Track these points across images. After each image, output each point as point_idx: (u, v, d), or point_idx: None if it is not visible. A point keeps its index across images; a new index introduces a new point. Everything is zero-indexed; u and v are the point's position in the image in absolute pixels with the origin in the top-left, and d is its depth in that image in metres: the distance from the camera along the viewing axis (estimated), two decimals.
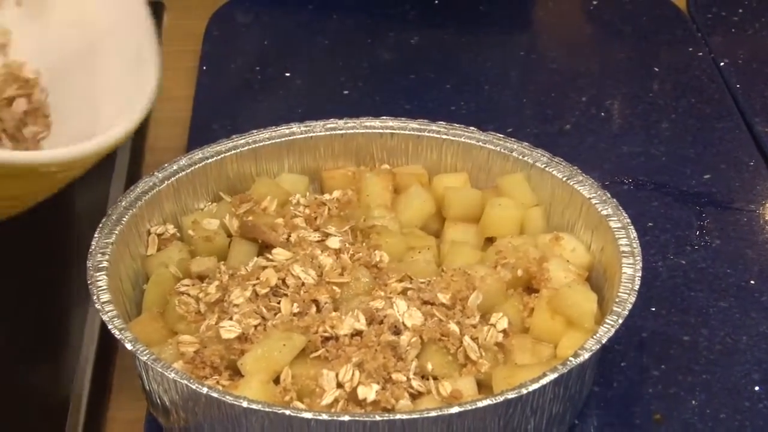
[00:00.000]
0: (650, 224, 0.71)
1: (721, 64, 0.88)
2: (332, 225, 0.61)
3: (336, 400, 0.52)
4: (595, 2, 0.99)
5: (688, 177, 0.76)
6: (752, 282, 0.67)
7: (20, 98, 0.68)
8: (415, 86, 0.86)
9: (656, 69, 0.89)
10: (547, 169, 0.64)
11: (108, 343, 0.64)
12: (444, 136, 0.67)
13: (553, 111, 0.84)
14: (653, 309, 0.65)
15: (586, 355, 0.52)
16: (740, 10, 0.96)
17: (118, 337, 0.53)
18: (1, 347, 0.65)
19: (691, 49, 0.91)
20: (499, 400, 0.49)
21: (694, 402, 0.59)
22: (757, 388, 0.60)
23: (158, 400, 0.54)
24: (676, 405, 0.59)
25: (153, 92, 0.62)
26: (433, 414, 0.49)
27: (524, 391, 0.50)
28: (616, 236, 0.59)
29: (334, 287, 0.57)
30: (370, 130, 0.67)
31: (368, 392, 0.52)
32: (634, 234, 0.59)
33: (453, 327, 0.55)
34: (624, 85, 0.87)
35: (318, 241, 0.60)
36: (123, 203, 0.61)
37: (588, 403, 0.58)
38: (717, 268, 0.68)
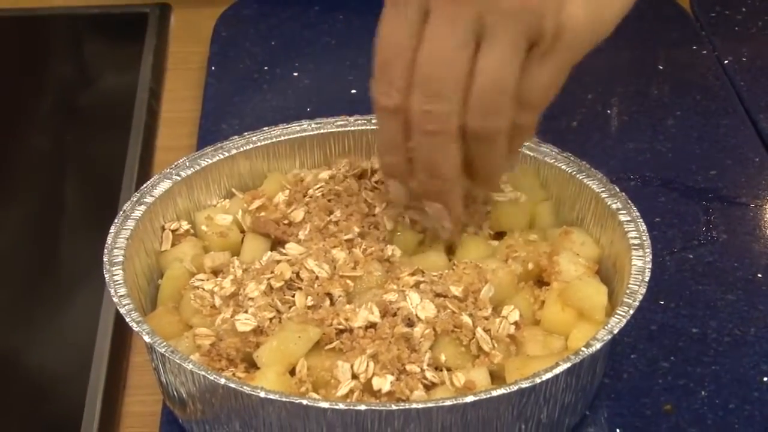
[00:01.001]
0: (657, 219, 0.72)
1: (725, 62, 0.89)
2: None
3: (351, 391, 0.52)
4: None
5: (694, 173, 0.77)
6: (759, 275, 0.68)
7: None
8: None
9: (661, 67, 0.89)
10: (556, 164, 0.65)
11: (122, 338, 0.64)
12: None
13: (560, 109, 0.83)
14: (662, 302, 0.65)
15: (598, 345, 0.52)
16: (743, 9, 0.96)
17: (136, 329, 0.53)
18: (16, 346, 0.66)
19: (695, 47, 0.91)
20: (512, 390, 0.50)
21: (703, 393, 0.60)
22: (765, 379, 0.60)
23: (175, 393, 0.55)
24: (686, 396, 0.60)
25: None
26: (448, 403, 0.49)
27: (538, 380, 0.50)
28: (626, 229, 0.59)
29: (348, 281, 0.57)
30: None
31: (383, 383, 0.52)
32: (643, 227, 0.59)
33: (466, 319, 0.55)
34: (629, 83, 0.87)
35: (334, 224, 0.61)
36: (137, 200, 0.62)
37: (599, 395, 0.59)
38: (724, 262, 0.69)
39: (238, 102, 0.85)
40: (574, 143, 0.79)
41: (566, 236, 0.62)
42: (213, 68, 0.89)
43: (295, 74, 0.88)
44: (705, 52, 0.91)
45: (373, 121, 0.68)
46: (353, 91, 0.86)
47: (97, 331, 0.64)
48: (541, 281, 0.60)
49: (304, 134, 0.67)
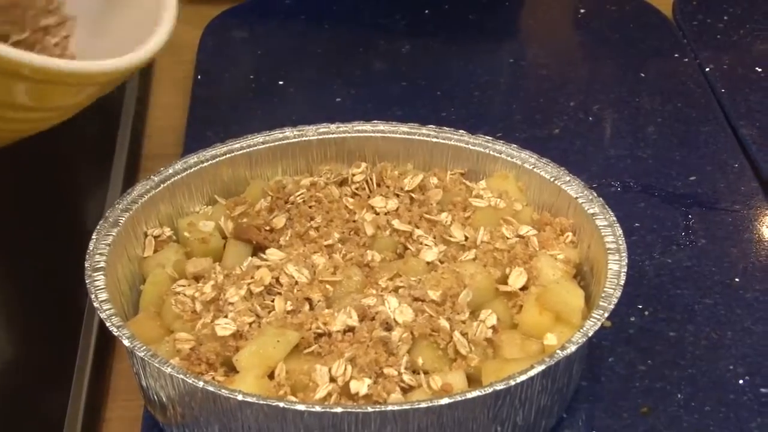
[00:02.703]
0: (637, 225, 0.73)
1: (707, 69, 0.90)
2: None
3: (329, 394, 0.53)
4: (582, 10, 1.01)
5: (674, 179, 0.77)
6: (737, 280, 0.68)
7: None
8: (407, 93, 0.88)
9: (643, 75, 0.90)
10: (534, 170, 0.66)
11: (105, 345, 0.65)
12: (434, 139, 0.68)
13: (542, 116, 0.85)
14: (640, 306, 0.66)
15: (573, 348, 0.53)
16: (725, 18, 0.97)
17: (116, 334, 0.54)
18: None
19: (677, 55, 0.92)
20: (488, 392, 0.50)
21: (680, 395, 0.60)
22: (741, 382, 0.61)
23: (155, 397, 0.55)
24: (663, 398, 0.60)
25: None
26: (423, 405, 0.50)
27: (512, 382, 0.51)
28: (603, 234, 0.60)
29: (327, 286, 0.58)
30: (361, 134, 0.69)
31: (360, 386, 0.53)
32: (619, 231, 0.60)
33: (443, 323, 0.56)
34: (611, 90, 0.88)
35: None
36: (120, 206, 0.62)
37: (576, 397, 0.60)
38: (702, 267, 0.69)
39: (224, 111, 0.86)
40: (556, 150, 0.80)
41: (544, 240, 0.63)
42: (199, 77, 0.90)
43: (281, 83, 0.89)
44: (687, 60, 0.92)
45: (355, 128, 0.69)
46: (338, 99, 0.87)
47: (80, 337, 0.65)
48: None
49: (286, 141, 0.68)
